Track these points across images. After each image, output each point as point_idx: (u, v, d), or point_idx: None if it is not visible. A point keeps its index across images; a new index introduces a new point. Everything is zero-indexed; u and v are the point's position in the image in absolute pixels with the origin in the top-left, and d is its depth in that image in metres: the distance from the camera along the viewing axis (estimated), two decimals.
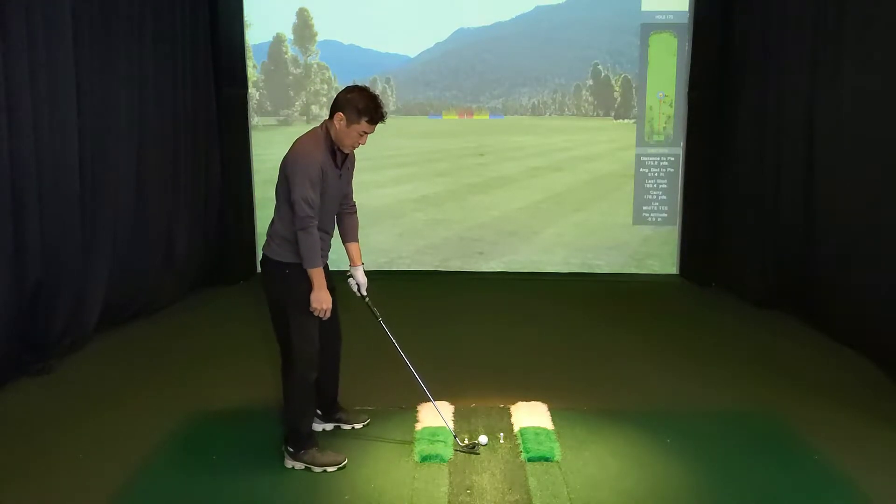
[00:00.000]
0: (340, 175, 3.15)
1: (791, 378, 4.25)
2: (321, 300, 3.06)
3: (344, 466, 3.21)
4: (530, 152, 7.02)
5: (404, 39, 6.73)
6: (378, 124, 3.06)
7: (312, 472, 3.18)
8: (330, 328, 3.28)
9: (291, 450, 3.22)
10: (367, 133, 3.05)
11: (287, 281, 3.10)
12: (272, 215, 3.18)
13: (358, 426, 3.59)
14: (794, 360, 4.57)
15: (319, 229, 3.06)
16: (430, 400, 3.49)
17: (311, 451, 3.22)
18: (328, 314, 3.10)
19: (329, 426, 3.55)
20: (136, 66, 5.19)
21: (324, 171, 3.01)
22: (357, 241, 3.39)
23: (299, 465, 3.21)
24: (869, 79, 4.53)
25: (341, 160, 3.13)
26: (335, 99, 3.06)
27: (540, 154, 7.03)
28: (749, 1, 5.85)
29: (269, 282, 3.19)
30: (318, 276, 3.04)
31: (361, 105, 2.98)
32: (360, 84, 3.13)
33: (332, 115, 3.04)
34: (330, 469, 3.19)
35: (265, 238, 3.20)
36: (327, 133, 3.07)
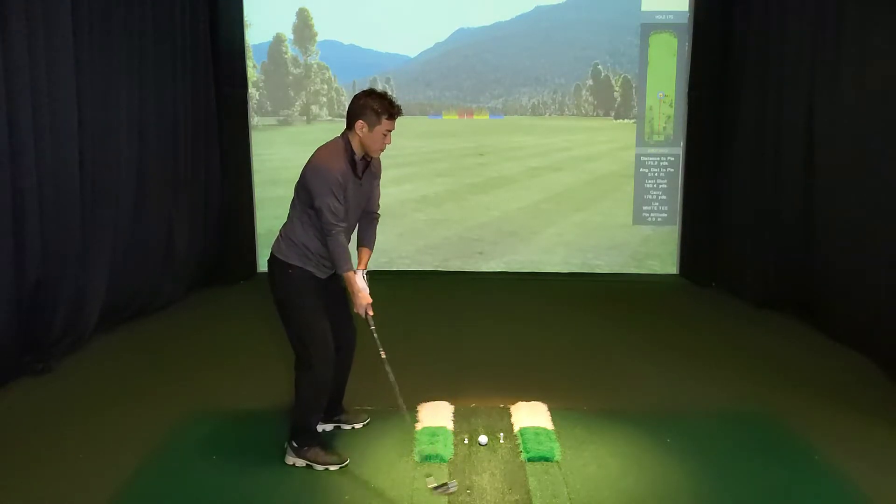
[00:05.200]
0: (361, 184, 3.17)
1: (791, 378, 4.25)
2: (359, 304, 3.13)
3: (346, 466, 3.21)
4: (530, 152, 7.02)
5: (404, 39, 6.73)
6: (396, 119, 3.09)
7: (314, 470, 3.18)
8: (341, 330, 3.30)
9: (296, 445, 3.22)
10: (390, 131, 3.10)
11: (289, 281, 3.12)
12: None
13: (358, 426, 3.59)
14: (795, 361, 4.57)
15: None
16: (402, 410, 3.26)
17: (315, 448, 3.23)
18: (370, 310, 3.14)
19: (329, 426, 3.55)
20: (136, 67, 5.19)
21: (343, 181, 3.05)
22: (370, 248, 3.38)
23: (300, 463, 3.21)
24: (868, 79, 4.53)
25: (362, 169, 3.16)
26: (349, 109, 3.09)
27: (540, 154, 7.03)
28: (749, 1, 5.84)
29: (273, 280, 3.19)
30: (350, 281, 3.11)
31: (377, 105, 3.04)
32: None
33: (350, 126, 3.08)
34: (332, 468, 3.19)
35: (275, 236, 3.22)
36: (347, 144, 3.10)
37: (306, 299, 3.12)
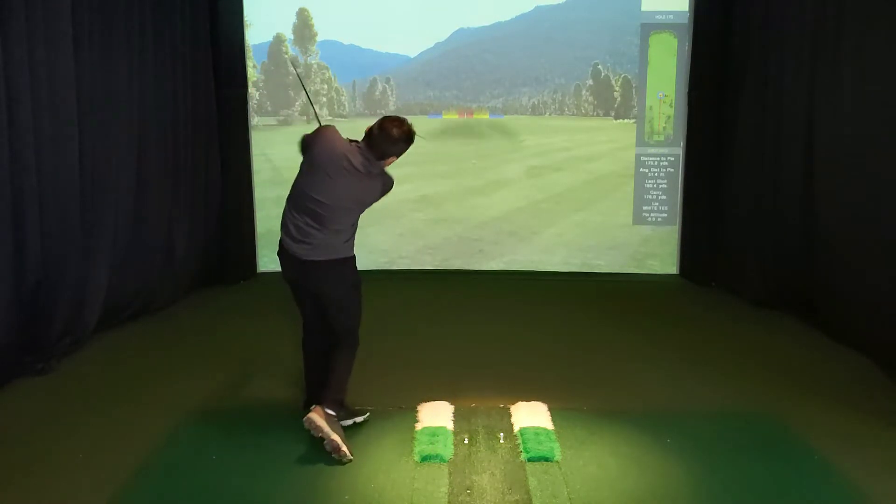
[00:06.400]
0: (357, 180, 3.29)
1: (791, 378, 4.25)
2: None
3: (350, 461, 3.25)
4: (530, 152, 7.02)
5: (404, 39, 6.73)
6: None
7: (314, 470, 3.18)
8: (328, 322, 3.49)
9: (333, 413, 3.34)
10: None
11: (353, 270, 3.45)
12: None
13: (359, 419, 3.60)
14: (794, 360, 4.57)
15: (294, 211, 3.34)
16: None
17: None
18: None
19: None
20: (135, 67, 5.19)
21: (327, 145, 3.30)
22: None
23: (335, 435, 3.24)
24: (869, 78, 4.53)
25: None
26: (386, 146, 3.29)
27: (540, 154, 7.03)
28: (749, 1, 5.84)
29: (337, 275, 3.38)
30: None
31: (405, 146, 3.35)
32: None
33: (382, 157, 3.32)
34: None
35: (275, 236, 3.44)
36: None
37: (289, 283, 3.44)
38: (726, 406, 3.90)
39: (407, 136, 3.27)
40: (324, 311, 3.44)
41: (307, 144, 3.36)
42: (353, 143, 3.33)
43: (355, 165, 3.25)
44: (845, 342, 4.73)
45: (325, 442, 3.23)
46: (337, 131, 3.34)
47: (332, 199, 3.27)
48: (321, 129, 3.34)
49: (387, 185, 3.41)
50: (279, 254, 3.44)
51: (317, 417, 3.25)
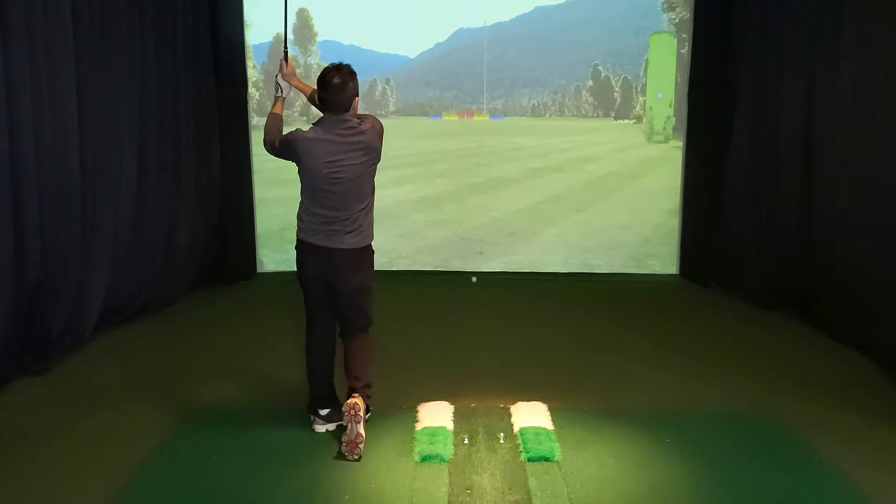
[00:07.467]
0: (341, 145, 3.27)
1: (791, 378, 4.26)
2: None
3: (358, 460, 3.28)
4: (530, 153, 7.02)
5: (404, 40, 6.73)
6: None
7: (313, 469, 3.19)
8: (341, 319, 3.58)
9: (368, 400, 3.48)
10: None
11: (371, 260, 3.54)
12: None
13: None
14: (794, 360, 4.57)
15: (313, 209, 3.34)
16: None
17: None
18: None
19: (332, 426, 3.55)
20: (136, 67, 5.19)
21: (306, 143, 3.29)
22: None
23: (363, 430, 3.30)
24: (868, 78, 4.54)
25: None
26: (347, 96, 3.25)
27: (540, 155, 7.03)
28: (749, 1, 5.84)
29: (358, 265, 3.44)
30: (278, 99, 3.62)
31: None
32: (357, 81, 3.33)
33: (349, 108, 3.29)
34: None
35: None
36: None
37: (301, 272, 3.44)
38: (726, 406, 3.90)
39: (349, 72, 3.25)
40: (342, 307, 3.46)
41: (285, 156, 3.37)
42: (318, 126, 3.30)
43: (340, 140, 3.25)
44: (845, 342, 4.73)
45: (348, 432, 3.25)
46: (300, 132, 3.30)
47: (349, 175, 3.29)
48: (290, 144, 3.29)
49: (373, 123, 3.37)
50: (300, 253, 3.43)
51: (361, 404, 3.31)
